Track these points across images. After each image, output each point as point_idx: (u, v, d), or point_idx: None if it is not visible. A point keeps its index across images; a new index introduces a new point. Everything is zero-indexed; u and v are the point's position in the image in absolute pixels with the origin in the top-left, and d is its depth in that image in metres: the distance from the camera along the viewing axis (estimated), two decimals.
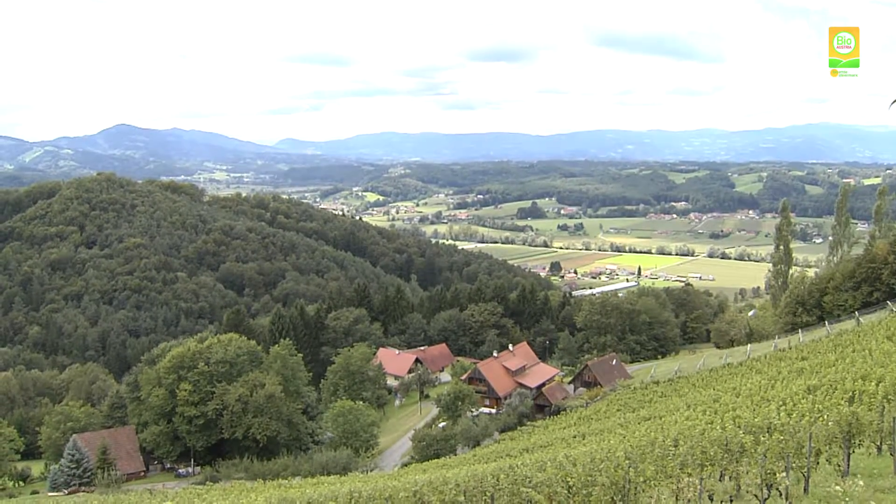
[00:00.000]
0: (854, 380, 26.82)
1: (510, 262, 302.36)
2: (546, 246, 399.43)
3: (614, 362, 76.97)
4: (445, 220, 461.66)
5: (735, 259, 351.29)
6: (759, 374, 46.46)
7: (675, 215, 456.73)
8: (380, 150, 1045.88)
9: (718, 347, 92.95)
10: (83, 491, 58.33)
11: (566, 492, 14.98)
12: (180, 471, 73.08)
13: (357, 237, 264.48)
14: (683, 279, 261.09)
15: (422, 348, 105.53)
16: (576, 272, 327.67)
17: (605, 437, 38.18)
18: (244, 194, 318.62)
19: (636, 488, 15.06)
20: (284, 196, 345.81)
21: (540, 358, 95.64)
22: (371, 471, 56.92)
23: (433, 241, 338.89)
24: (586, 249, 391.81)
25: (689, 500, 13.20)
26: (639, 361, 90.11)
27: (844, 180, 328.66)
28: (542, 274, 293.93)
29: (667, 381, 62.34)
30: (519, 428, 63.63)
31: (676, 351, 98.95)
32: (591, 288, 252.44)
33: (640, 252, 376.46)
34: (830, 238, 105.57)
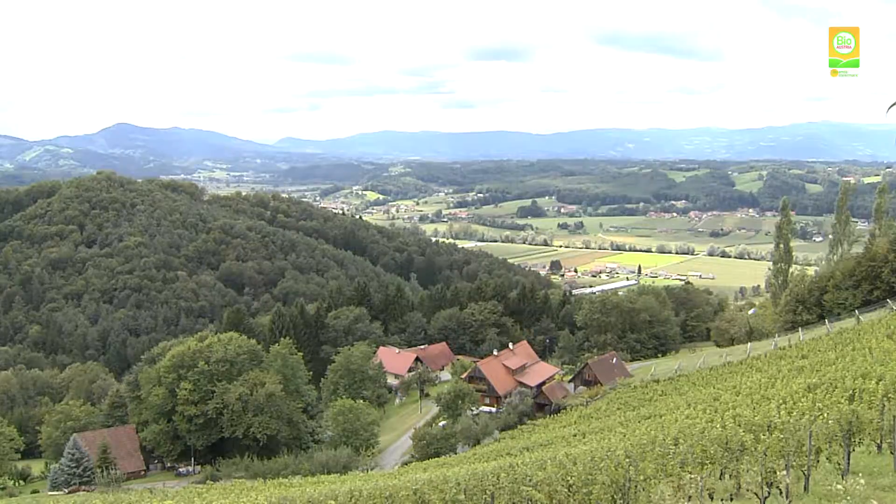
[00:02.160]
0: (854, 378, 26.82)
1: (510, 260, 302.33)
2: (546, 245, 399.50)
3: (614, 361, 76.99)
4: (445, 219, 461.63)
5: (735, 257, 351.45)
6: (760, 372, 46.47)
7: (675, 214, 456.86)
8: (379, 149, 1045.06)
9: (718, 346, 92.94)
10: (83, 490, 58.34)
11: (566, 490, 14.99)
12: (181, 470, 73.13)
13: (357, 236, 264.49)
14: (683, 278, 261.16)
15: (422, 347, 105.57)
16: (576, 271, 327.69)
17: (605, 435, 38.19)
18: (244, 193, 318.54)
19: (636, 487, 15.08)
20: (284, 195, 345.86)
21: (540, 357, 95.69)
22: (371, 469, 56.97)
23: (433, 239, 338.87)
24: (586, 248, 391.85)
25: (689, 498, 13.22)
26: (639, 360, 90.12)
27: (844, 178, 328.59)
28: (542, 272, 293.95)
29: (667, 379, 62.37)
30: (519, 426, 63.66)
31: (676, 349, 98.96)
32: (591, 286, 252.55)
33: (641, 251, 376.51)
34: (830, 236, 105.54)
